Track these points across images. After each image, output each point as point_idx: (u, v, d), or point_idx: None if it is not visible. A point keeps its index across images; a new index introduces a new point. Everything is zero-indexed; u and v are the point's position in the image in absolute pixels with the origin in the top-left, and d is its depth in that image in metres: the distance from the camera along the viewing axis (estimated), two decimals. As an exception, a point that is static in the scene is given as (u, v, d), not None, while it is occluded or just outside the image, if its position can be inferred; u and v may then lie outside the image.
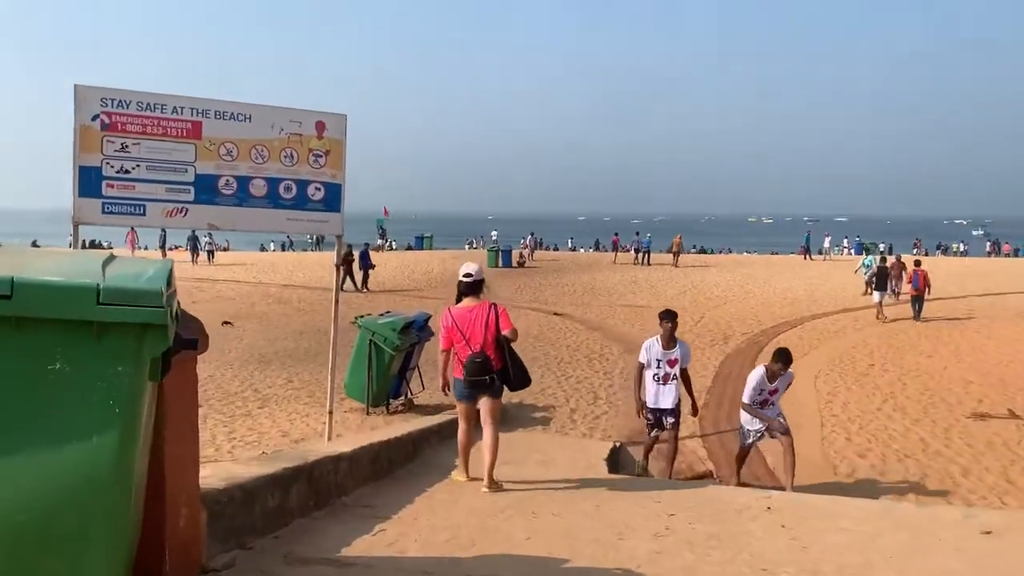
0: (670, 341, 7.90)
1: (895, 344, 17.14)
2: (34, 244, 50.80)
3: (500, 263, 36.36)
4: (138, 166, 6.80)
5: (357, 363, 10.55)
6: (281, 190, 7.23)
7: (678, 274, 34.08)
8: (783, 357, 7.81)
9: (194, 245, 37.85)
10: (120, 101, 6.72)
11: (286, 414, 10.35)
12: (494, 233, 60.95)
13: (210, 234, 35.08)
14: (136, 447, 2.35)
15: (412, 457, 6.75)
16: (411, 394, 11.11)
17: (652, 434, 8.06)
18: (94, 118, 6.63)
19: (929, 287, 21.21)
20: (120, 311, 2.20)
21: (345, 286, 25.64)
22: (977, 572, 4.23)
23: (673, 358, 7.86)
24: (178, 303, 2.74)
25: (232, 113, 7.09)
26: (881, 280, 21.52)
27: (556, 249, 57.56)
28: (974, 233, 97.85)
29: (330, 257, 9.37)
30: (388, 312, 11.87)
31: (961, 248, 61.31)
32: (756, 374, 7.92)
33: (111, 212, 6.83)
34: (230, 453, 8.42)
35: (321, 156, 7.32)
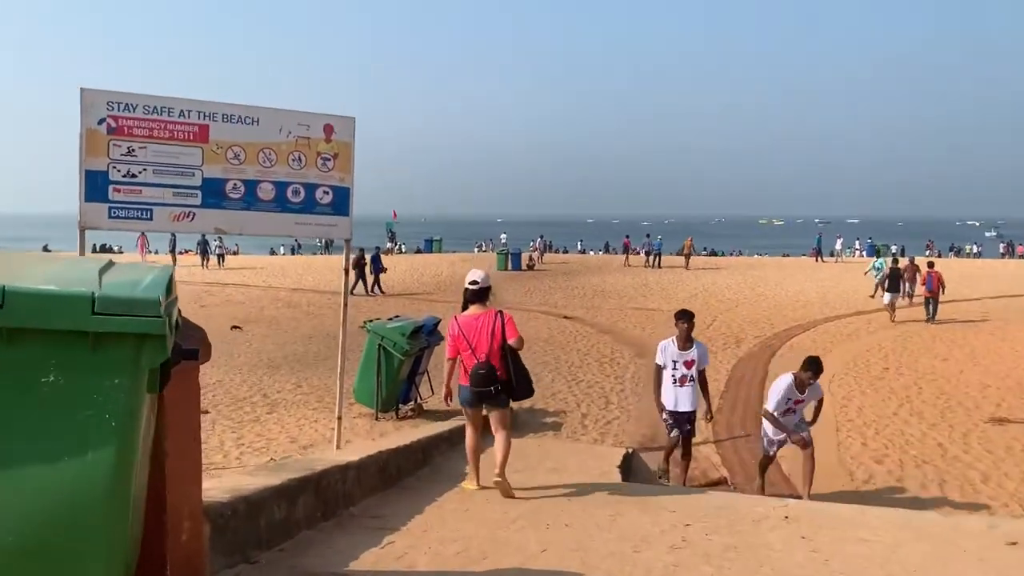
0: (686, 342, 7.72)
1: (910, 347, 16.94)
2: (45, 248, 51.10)
3: (510, 266, 36.29)
4: (145, 170, 6.73)
5: (366, 368, 10.46)
6: (289, 194, 7.15)
7: (689, 277, 33.91)
8: (813, 366, 7.52)
9: (204, 249, 37.91)
10: (127, 104, 6.65)
11: (295, 419, 10.27)
12: (503, 236, 60.87)
13: (220, 238, 35.14)
14: (134, 462, 2.25)
15: (421, 465, 6.65)
16: (421, 399, 11.01)
17: (672, 434, 7.79)
18: (100, 122, 6.57)
19: (943, 288, 21.03)
20: (116, 321, 2.10)
21: (356, 290, 25.69)
22: (1004, 586, 4.09)
23: (690, 359, 7.67)
24: (179, 311, 2.64)
25: (239, 116, 7.01)
26: (893, 282, 21.34)
27: (566, 252, 57.43)
28: (987, 234, 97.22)
29: (339, 261, 9.30)
30: (397, 316, 11.79)
31: (974, 250, 60.86)
32: (783, 383, 7.58)
33: (118, 217, 6.77)
34: (238, 460, 8.33)
35: (329, 159, 7.24)
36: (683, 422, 7.70)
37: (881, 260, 28.15)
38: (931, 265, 21.80)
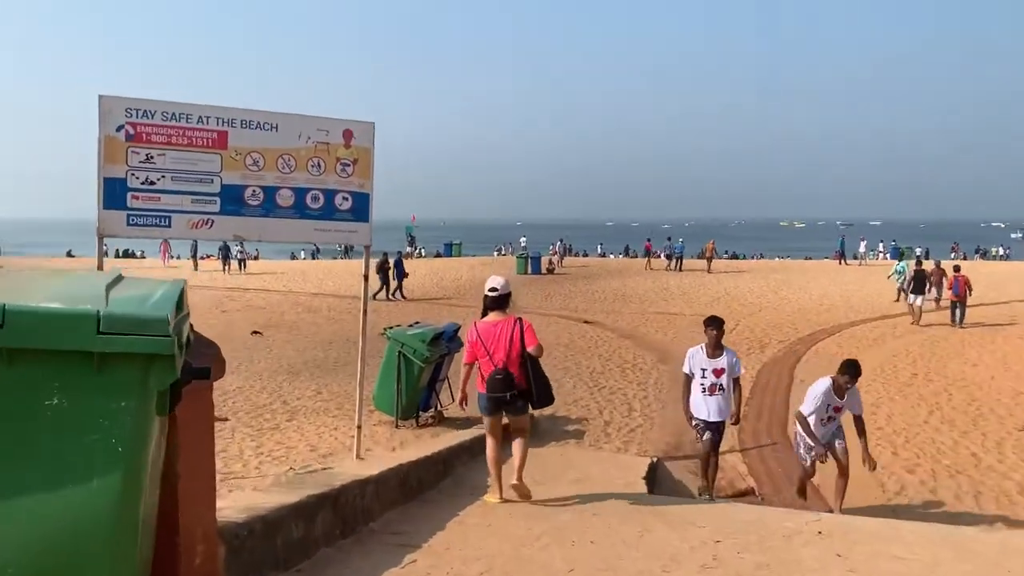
0: (716, 349, 7.46)
1: (938, 352, 16.62)
2: (69, 254, 51.61)
3: (529, 270, 36.15)
4: (163, 177, 6.66)
5: (386, 375, 10.35)
6: (308, 200, 7.06)
7: (710, 280, 33.59)
8: (850, 369, 7.19)
9: (225, 254, 38.07)
10: (145, 111, 6.59)
11: (314, 427, 10.18)
12: (523, 239, 60.74)
13: (241, 243, 35.27)
14: (142, 488, 2.14)
15: (442, 476, 6.52)
16: (441, 406, 10.89)
17: (705, 437, 7.45)
18: (119, 129, 6.51)
19: (971, 292, 20.66)
20: (122, 341, 1.99)
21: (380, 294, 25.72)
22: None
23: (719, 367, 7.39)
24: (191, 326, 2.54)
25: (258, 122, 6.94)
26: (918, 284, 20.99)
27: (585, 255, 57.19)
28: (1012, 236, 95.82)
29: (359, 265, 9.21)
30: (417, 323, 11.67)
31: (1001, 252, 59.92)
32: (821, 387, 7.27)
33: (136, 224, 6.70)
34: (257, 469, 8.25)
35: (349, 165, 7.14)
36: (714, 430, 7.46)
37: (903, 263, 27.71)
38: (957, 269, 21.44)
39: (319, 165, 7.06)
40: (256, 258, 46.52)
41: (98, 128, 6.44)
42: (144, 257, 52.01)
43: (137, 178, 6.58)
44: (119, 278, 2.41)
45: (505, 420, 6.03)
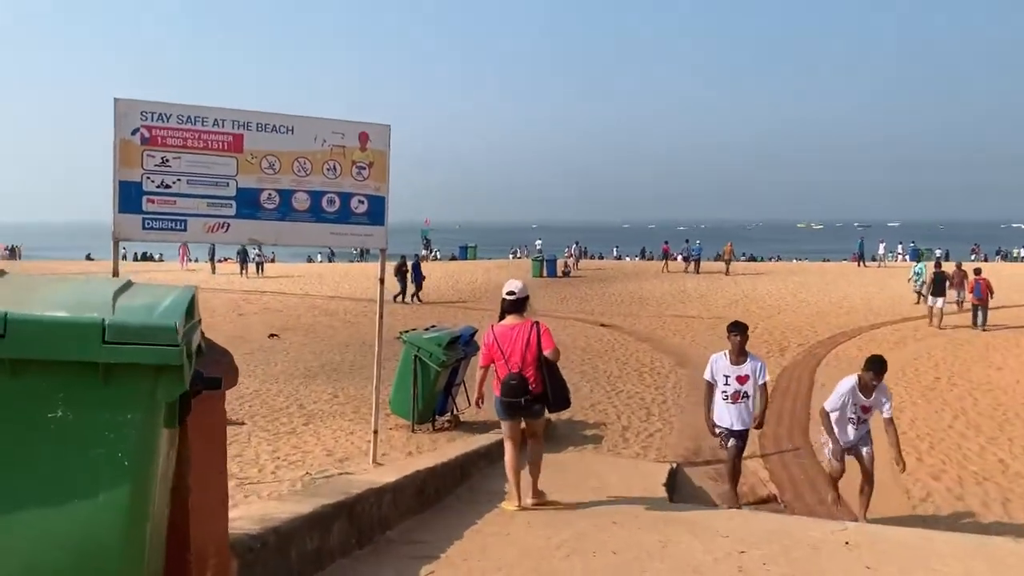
0: (740, 355, 7.22)
1: (960, 355, 16.36)
2: (88, 258, 52.01)
3: (544, 273, 36.04)
4: (179, 180, 6.63)
5: (402, 379, 10.28)
6: (324, 203, 7.01)
7: (728, 283, 33.33)
8: (874, 365, 6.95)
9: (244, 258, 38.20)
10: (160, 114, 6.56)
11: (331, 431, 10.11)
12: (538, 242, 60.59)
13: (259, 246, 35.34)
14: (150, 504, 2.06)
15: (459, 483, 6.43)
16: (457, 410, 10.81)
17: (730, 444, 7.24)
18: (134, 132, 6.48)
19: (992, 295, 20.35)
20: (128, 351, 1.91)
21: (398, 298, 25.72)
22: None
23: (743, 374, 7.15)
24: (201, 334, 2.45)
25: (274, 125, 6.90)
26: (939, 286, 20.69)
27: (601, 258, 56.97)
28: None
29: (375, 268, 9.15)
30: (433, 326, 11.60)
31: (1022, 254, 59.16)
32: (846, 384, 7.06)
33: (152, 228, 6.67)
34: (273, 474, 8.19)
35: (364, 168, 7.09)
36: (738, 436, 7.24)
37: (921, 265, 27.36)
38: (978, 272, 21.14)
39: (335, 168, 7.01)
40: (273, 261, 46.70)
41: (113, 131, 6.41)
42: (163, 260, 52.33)
43: (152, 181, 6.55)
44: (128, 284, 2.33)
45: (523, 424, 5.98)
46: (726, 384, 7.20)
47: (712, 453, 9.20)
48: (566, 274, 37.30)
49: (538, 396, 5.72)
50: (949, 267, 23.69)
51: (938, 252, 48.74)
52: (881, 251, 48.22)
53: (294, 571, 3.49)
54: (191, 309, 2.27)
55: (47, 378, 1.90)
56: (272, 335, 18.70)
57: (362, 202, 7.04)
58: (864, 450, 7.14)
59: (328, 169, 6.96)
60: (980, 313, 20.12)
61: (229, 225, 6.79)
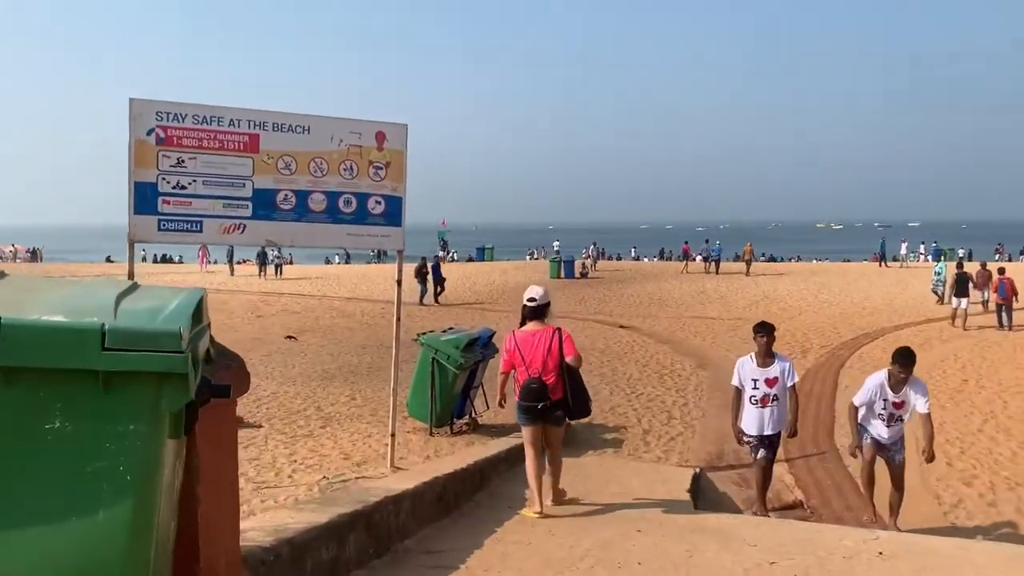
0: (767, 357, 7.01)
1: (988, 357, 16.04)
2: (108, 260, 52.41)
3: (562, 274, 35.85)
4: (194, 181, 6.55)
5: (420, 382, 10.16)
6: (341, 204, 6.91)
7: (748, 283, 33.01)
8: (901, 357, 6.73)
9: (262, 259, 38.31)
10: (175, 115, 6.48)
11: (348, 434, 10.01)
12: (556, 243, 60.39)
13: (277, 248, 35.40)
14: (154, 518, 1.94)
15: (479, 488, 6.31)
16: (475, 413, 10.68)
17: (759, 455, 7.04)
18: (149, 132, 6.40)
19: (1017, 295, 19.98)
20: (130, 358, 1.79)
21: (424, 299, 25.70)
22: None
23: (772, 377, 6.93)
24: (210, 339, 2.33)
25: (290, 125, 6.80)
26: (962, 286, 20.33)
27: (619, 259, 56.69)
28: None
29: (392, 270, 9.05)
30: (451, 328, 11.48)
31: (1048, 253, 58.28)
32: (875, 379, 6.84)
33: (167, 229, 6.59)
34: (290, 477, 8.10)
35: (381, 168, 6.98)
36: (767, 446, 7.04)
37: (941, 265, 26.91)
38: (1002, 271, 20.77)
39: (351, 168, 6.90)
40: (291, 263, 46.84)
41: (128, 132, 6.34)
42: (182, 262, 52.64)
43: (168, 182, 6.47)
44: (134, 287, 2.22)
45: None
46: (755, 388, 6.98)
47: (736, 457, 9.02)
48: (584, 275, 37.09)
49: (557, 402, 5.67)
50: (972, 267, 23.29)
51: (961, 252, 48.09)
52: (903, 251, 47.62)
53: (309, 583, 3.37)
54: (198, 313, 2.15)
55: (44, 387, 1.79)
56: (289, 337, 18.67)
57: (379, 203, 6.93)
58: (897, 457, 6.92)
59: (345, 169, 6.86)
60: (1005, 313, 19.77)
61: (245, 226, 6.71)
